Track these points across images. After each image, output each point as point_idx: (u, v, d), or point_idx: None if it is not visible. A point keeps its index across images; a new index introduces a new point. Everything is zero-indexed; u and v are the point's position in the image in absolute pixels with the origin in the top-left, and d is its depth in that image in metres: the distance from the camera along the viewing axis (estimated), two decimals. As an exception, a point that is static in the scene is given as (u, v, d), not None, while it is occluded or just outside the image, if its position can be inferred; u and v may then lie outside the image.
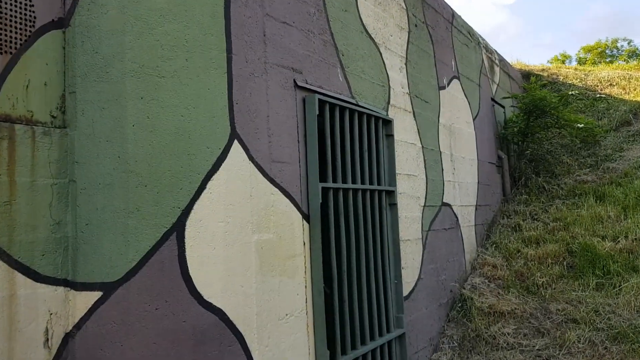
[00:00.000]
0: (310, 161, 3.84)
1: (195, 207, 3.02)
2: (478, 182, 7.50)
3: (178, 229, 2.95)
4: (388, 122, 4.99)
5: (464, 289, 6.46)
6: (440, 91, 6.50)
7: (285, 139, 3.67)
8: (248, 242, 3.25)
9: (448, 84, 6.76)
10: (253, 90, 3.42)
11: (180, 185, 2.97)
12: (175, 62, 3.05)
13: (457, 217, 6.60)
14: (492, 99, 8.67)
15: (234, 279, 3.15)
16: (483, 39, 8.67)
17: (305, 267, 3.74)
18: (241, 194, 3.24)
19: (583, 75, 12.09)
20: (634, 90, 11.27)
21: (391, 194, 4.91)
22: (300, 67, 3.90)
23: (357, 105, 4.54)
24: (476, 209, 7.33)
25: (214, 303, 3.04)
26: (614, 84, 11.65)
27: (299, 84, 3.84)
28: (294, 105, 3.79)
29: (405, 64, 5.62)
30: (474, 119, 7.60)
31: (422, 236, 5.61)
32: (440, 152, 6.29)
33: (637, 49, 35.98)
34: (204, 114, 3.11)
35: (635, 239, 6.91)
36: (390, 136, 4.99)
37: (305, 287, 3.73)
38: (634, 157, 9.13)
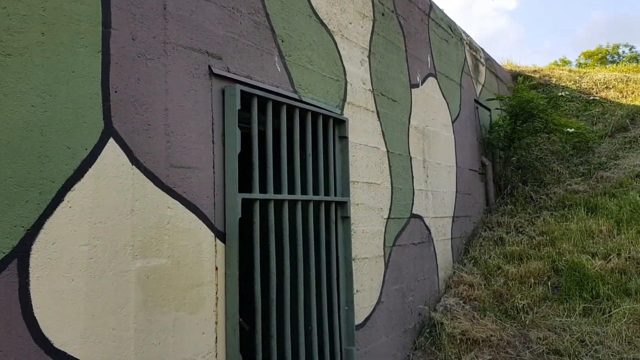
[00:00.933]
0: (229, 166, 3.12)
1: (46, 225, 2.29)
2: (456, 191, 6.79)
3: (20, 254, 2.22)
4: (341, 122, 4.27)
5: (435, 311, 5.74)
6: (413, 89, 5.79)
7: (193, 138, 2.95)
8: (125, 271, 2.53)
9: (422, 82, 6.05)
10: (143, 76, 2.70)
11: (26, 196, 2.25)
12: (27, 37, 2.32)
13: (429, 230, 5.89)
14: (476, 101, 7.96)
15: (102, 320, 2.42)
16: (467, 35, 7.96)
17: (217, 298, 3.02)
18: (117, 208, 2.52)
19: (578, 78, 11.39)
20: (632, 93, 10.57)
21: (343, 205, 4.20)
22: (219, 51, 3.19)
23: (300, 100, 3.83)
24: (453, 220, 6.62)
25: (69, 352, 2.31)
26: (611, 86, 10.94)
27: (216, 71, 3.12)
28: (208, 97, 3.08)
29: (368, 57, 4.91)
30: (453, 122, 6.89)
31: (385, 253, 4.89)
32: (411, 158, 5.58)
33: (638, 55, 35.35)
34: (65, 104, 2.38)
35: (629, 257, 6.20)
36: (343, 138, 4.28)
37: (216, 323, 3.00)
38: (630, 165, 8.42)
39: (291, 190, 3.67)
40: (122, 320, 2.50)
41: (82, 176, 2.41)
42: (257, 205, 3.28)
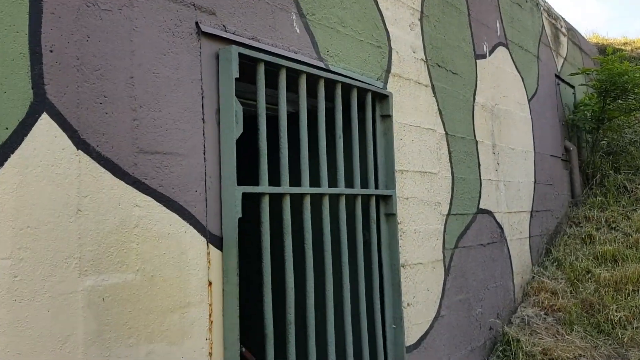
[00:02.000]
0: (225, 152, 2.42)
1: (-55, 233, 1.67)
2: (535, 181, 5.80)
3: None
4: (383, 98, 3.47)
5: (511, 324, 4.83)
6: (478, 61, 4.89)
7: (174, 115, 2.27)
8: (68, 293, 1.87)
9: (490, 52, 5.12)
10: (96, 33, 2.04)
11: None
12: None
13: (501, 228, 4.97)
14: (557, 76, 6.88)
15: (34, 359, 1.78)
16: (545, 1, 6.90)
17: (211, 321, 2.32)
18: (55, 208, 1.87)
19: (677, 50, 9.93)
20: None
21: (387, 200, 3.41)
22: (211, 4, 2.49)
23: (327, 70, 3.07)
24: (531, 215, 5.64)
25: (-22, 408, 1.68)
26: None
27: (207, 29, 2.42)
28: (195, 62, 2.39)
29: (420, 20, 4.08)
30: (529, 100, 5.89)
31: (444, 257, 4.05)
32: (477, 142, 4.69)
33: None
34: (-26, 68, 1.76)
35: None
36: (386, 117, 3.48)
37: (210, 354, 2.31)
38: None
39: (314, 182, 2.92)
40: (64, 358, 1.85)
41: (1, 165, 1.77)
42: (265, 201, 2.55)
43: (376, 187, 3.38)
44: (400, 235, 3.57)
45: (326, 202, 2.91)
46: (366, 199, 3.28)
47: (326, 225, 2.90)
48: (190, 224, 2.28)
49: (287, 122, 2.74)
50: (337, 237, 3.06)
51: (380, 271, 3.37)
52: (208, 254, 2.34)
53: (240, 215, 2.39)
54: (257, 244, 2.60)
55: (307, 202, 2.79)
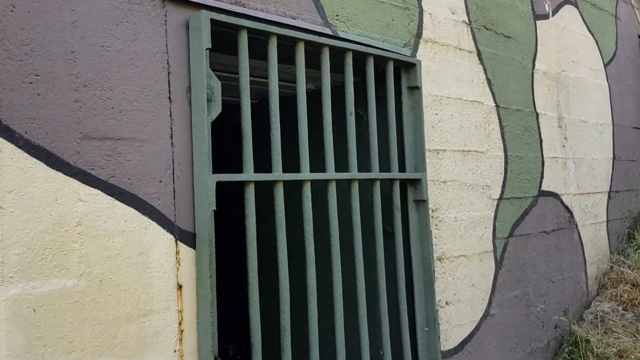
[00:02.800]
0: (197, 136, 2.09)
1: None
2: (614, 157, 5.08)
3: None
4: (410, 67, 3.01)
5: (582, 321, 4.23)
6: (539, 22, 4.26)
7: (131, 95, 1.96)
8: (-14, 303, 1.62)
9: (554, 12, 4.47)
10: (23, 2, 1.76)
11: None
12: None
13: (570, 212, 4.35)
14: (643, 37, 6.03)
15: (-60, 382, 1.55)
16: (627, -49, 6.03)
17: (182, 331, 2.02)
18: (-34, 206, 1.61)
19: None
20: None
21: (415, 184, 2.96)
22: (181, -35, 2.15)
23: (335, 37, 2.66)
24: (609, 197, 4.94)
25: None
26: None
27: (172, -6, 2.09)
28: (159, 33, 2.06)
29: (461, -24, 3.55)
30: (605, 65, 5.15)
31: (495, 247, 3.54)
32: (537, 114, 4.10)
33: None
34: None
35: None
36: (414, 89, 3.02)
37: (181, 368, 2.01)
38: None
39: (317, 167, 2.54)
40: (-19, 381, 1.61)
41: None
42: (250, 191, 2.20)
43: (402, 170, 2.94)
44: (436, 225, 3.12)
45: (332, 189, 2.52)
46: (388, 184, 2.86)
47: (333, 217, 2.52)
48: (153, 220, 1.97)
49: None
50: (349, 229, 2.66)
51: (408, 267, 2.94)
52: (177, 253, 2.03)
53: (214, 207, 2.05)
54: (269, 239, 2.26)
55: (307, 190, 2.42)
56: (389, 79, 2.86)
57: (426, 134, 3.11)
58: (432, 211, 3.11)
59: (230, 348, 4.38)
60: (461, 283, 3.25)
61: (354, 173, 2.61)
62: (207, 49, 2.09)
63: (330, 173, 2.51)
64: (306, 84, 2.60)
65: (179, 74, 2.10)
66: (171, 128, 2.05)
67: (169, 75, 2.07)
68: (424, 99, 3.13)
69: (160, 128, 2.02)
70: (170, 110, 2.06)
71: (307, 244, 2.39)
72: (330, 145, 2.54)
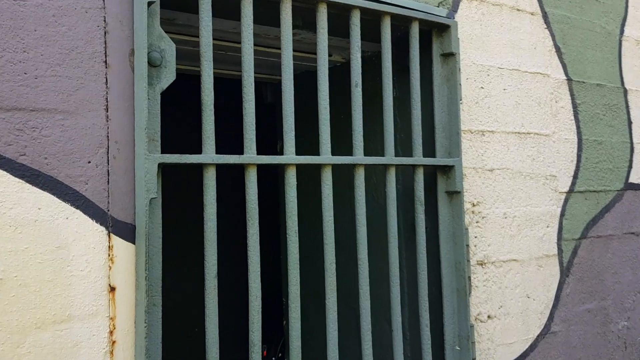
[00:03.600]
0: (140, 108, 1.73)
1: None
2: None
3: None
4: (443, 30, 2.47)
5: (681, 344, 3.45)
6: (632, -22, 3.51)
7: (50, 57, 1.64)
8: None
9: (654, -34, 3.67)
10: None
11: None
12: None
13: (669, 210, 3.56)
14: None
15: None
16: None
17: (113, 342, 1.68)
18: None
19: None
20: None
21: (447, 172, 2.43)
22: None
23: (339, -9, 2.20)
24: None
25: None
26: None
27: (114, -62, 1.74)
28: (96, -15, 1.72)
29: None
30: None
31: (561, 250, 2.92)
32: (625, 91, 3.36)
33: None
34: None
35: None
36: (449, 57, 2.48)
37: (112, 387, 1.67)
38: None
39: (310, 149, 2.10)
40: None
41: None
42: (209, 175, 1.81)
43: (429, 155, 2.43)
44: (477, 222, 2.57)
45: (327, 175, 2.07)
46: (409, 171, 2.36)
47: (327, 209, 2.07)
48: (77, 208, 1.64)
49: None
50: (352, 224, 2.20)
51: (436, 271, 2.43)
52: (110, 248, 1.69)
53: (154, 194, 1.69)
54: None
55: (290, 176, 1.99)
56: (414, 43, 2.35)
57: (467, 111, 2.56)
58: (473, 205, 2.56)
59: (265, 347, 4.06)
60: (510, 293, 2.68)
61: (357, 157, 2.14)
62: (150, 2, 1.72)
63: (325, 156, 2.05)
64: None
65: (120, 34, 1.75)
66: (106, 98, 1.71)
67: (105, 35, 1.72)
68: (466, 69, 2.59)
69: (92, 98, 1.68)
70: (106, 77, 1.71)
71: (290, 242, 1.97)
72: (325, 124, 2.08)
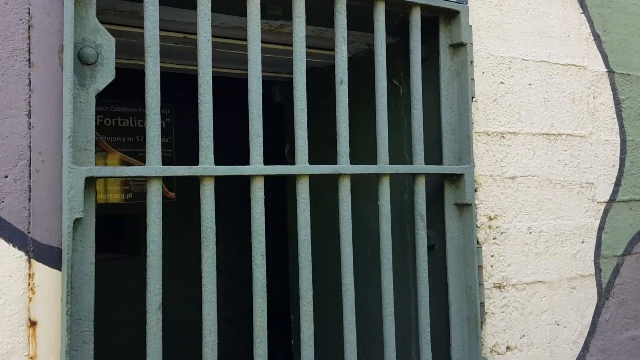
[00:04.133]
0: (68, 114, 1.48)
1: None
2: None
3: None
4: (452, 16, 2.13)
5: None
6: (690, -47, 3.03)
7: (-34, 57, 1.41)
8: None
9: None
10: None
11: None
12: None
13: None
14: None
15: None
16: None
17: (37, 386, 1.45)
18: None
19: None
20: None
21: (456, 182, 2.09)
22: None
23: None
24: None
25: None
26: None
27: None
28: (19, -29, 1.49)
29: None
30: None
31: (599, 270, 2.52)
32: (682, 83, 2.91)
33: None
34: None
35: None
36: (459, 47, 2.13)
37: None
38: None
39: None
40: None
41: None
42: (153, 188, 1.55)
43: (433, 162, 2.10)
44: (494, 238, 2.22)
45: (301, 186, 1.77)
46: (407, 180, 2.04)
47: (303, 227, 1.77)
48: (-21, 231, 1.41)
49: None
50: (338, 243, 1.90)
51: (443, 296, 2.10)
52: (30, 276, 1.45)
53: (80, 214, 1.44)
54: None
55: (257, 187, 1.71)
56: (414, 32, 2.02)
57: (483, 110, 2.22)
58: (489, 219, 2.21)
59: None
60: (535, 320, 2.31)
61: (343, 166, 1.83)
62: (80, -13, 1.47)
63: (301, 166, 1.76)
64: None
65: (48, 28, 1.51)
66: (29, 102, 1.47)
67: (29, 29, 1.49)
68: (482, 61, 2.24)
69: (10, 103, 1.45)
70: (30, 78, 1.48)
71: (255, 263, 1.69)
72: (302, 128, 1.79)
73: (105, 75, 1.52)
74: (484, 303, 2.14)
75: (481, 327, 2.12)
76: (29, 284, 1.45)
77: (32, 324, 1.44)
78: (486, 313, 2.18)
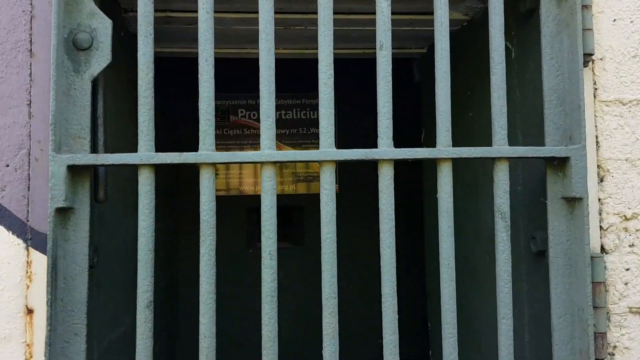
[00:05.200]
0: (59, 101, 1.45)
1: None
2: None
3: None
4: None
5: None
6: None
7: (-22, 52, 1.49)
8: None
9: None
10: None
11: None
12: None
13: None
14: None
15: None
16: None
17: (35, 374, 1.46)
18: None
19: None
20: None
21: (562, 167, 1.55)
22: None
23: None
24: None
25: None
26: None
27: None
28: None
29: None
30: None
31: None
32: None
33: None
34: None
35: None
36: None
37: None
38: None
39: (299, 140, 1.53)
40: None
41: None
42: (144, 176, 1.44)
43: (523, 143, 1.59)
44: (632, 245, 1.63)
45: (327, 175, 1.48)
46: (519, 166, 1.57)
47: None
48: (-34, 220, 1.46)
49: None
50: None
51: (538, 319, 1.59)
52: (28, 264, 1.47)
53: (61, 203, 1.40)
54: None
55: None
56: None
57: (614, 71, 1.63)
58: (624, 219, 1.62)
59: None
60: None
61: (383, 149, 1.48)
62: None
63: (325, 150, 1.47)
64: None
65: (49, 18, 1.50)
66: (29, 92, 1.48)
67: (31, 20, 1.50)
68: (614, 4, 1.64)
69: (12, 93, 1.48)
70: (31, 69, 1.49)
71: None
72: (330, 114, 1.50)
73: (100, 60, 1.46)
74: (605, 333, 1.56)
75: (602, 366, 1.55)
76: (27, 272, 1.46)
77: (29, 311, 1.46)
78: (615, 347, 1.59)
